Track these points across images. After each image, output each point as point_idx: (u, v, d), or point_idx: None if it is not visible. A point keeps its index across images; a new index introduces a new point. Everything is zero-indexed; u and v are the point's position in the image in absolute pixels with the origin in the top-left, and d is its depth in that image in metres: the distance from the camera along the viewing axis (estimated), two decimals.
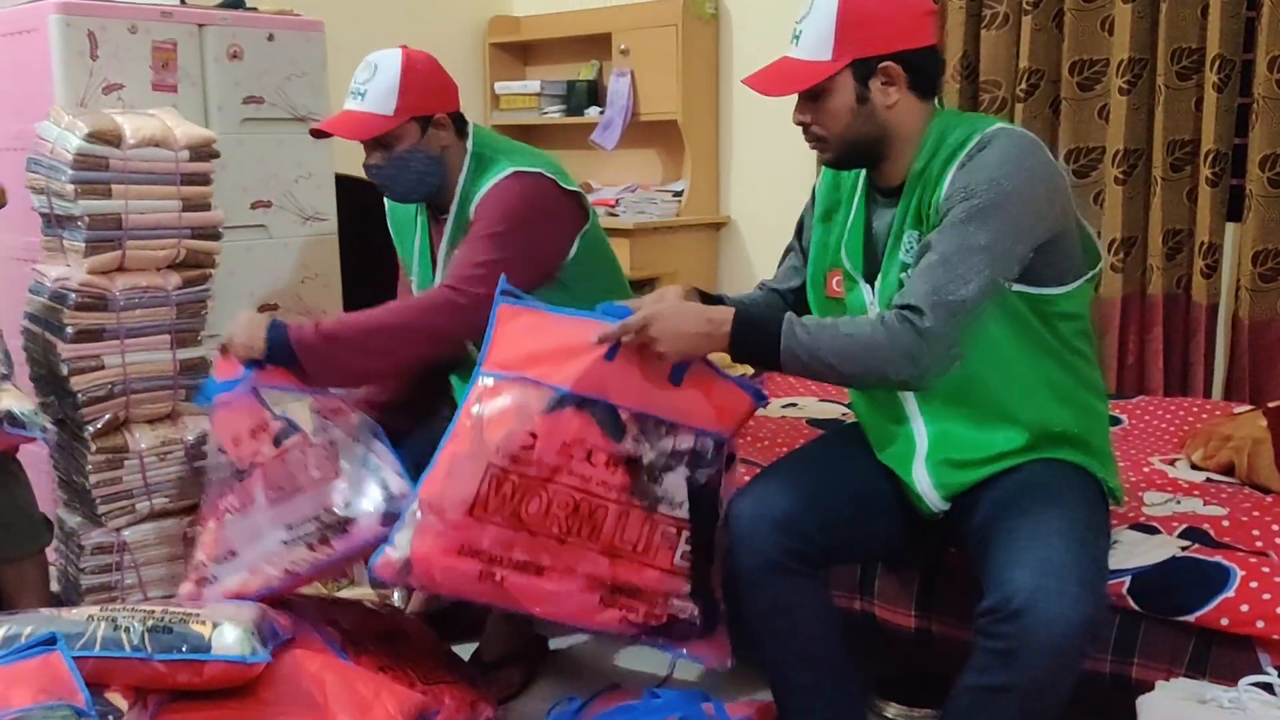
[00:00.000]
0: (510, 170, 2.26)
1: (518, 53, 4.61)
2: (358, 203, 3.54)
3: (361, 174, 3.52)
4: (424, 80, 2.28)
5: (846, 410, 2.63)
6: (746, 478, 2.01)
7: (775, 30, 3.93)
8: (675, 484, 1.86)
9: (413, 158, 2.28)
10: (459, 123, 2.36)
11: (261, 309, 3.23)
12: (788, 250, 2.19)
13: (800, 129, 1.89)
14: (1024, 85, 3.18)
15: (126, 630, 1.68)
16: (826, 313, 1.93)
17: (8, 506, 2.31)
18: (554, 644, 2.51)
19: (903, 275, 1.81)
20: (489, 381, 1.88)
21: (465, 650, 2.34)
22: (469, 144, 2.36)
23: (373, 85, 2.24)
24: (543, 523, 1.82)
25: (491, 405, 1.85)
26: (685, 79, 3.99)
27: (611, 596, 1.86)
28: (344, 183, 3.43)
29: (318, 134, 2.35)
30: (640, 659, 2.50)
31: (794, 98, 1.85)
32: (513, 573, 1.82)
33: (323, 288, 3.38)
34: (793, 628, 1.83)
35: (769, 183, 4.05)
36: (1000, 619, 1.58)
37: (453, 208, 2.35)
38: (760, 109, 4.05)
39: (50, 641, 1.58)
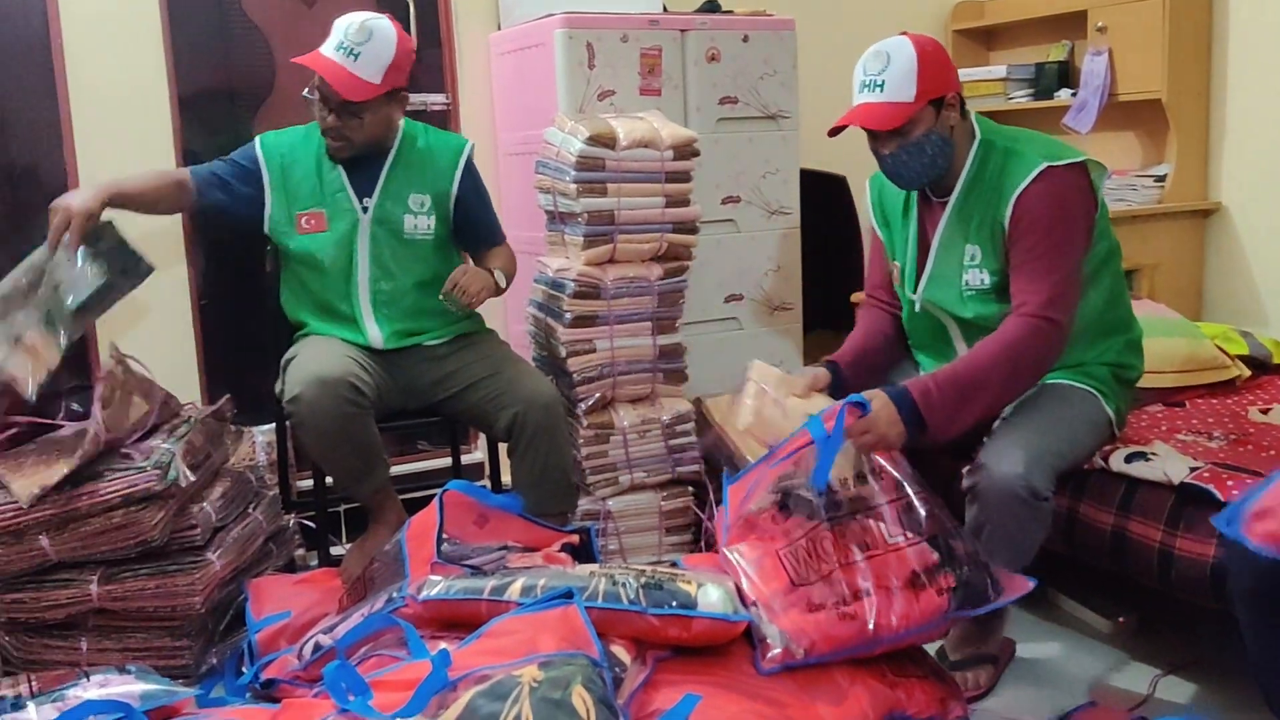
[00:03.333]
0: (1043, 166, 2.22)
1: (982, 38, 4.48)
2: (820, 197, 3.61)
3: (825, 169, 3.64)
4: (936, 61, 2.26)
5: None
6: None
7: None
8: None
9: (928, 141, 2.26)
10: (962, 101, 2.33)
11: (727, 300, 3.38)
12: None
13: None
14: None
15: (624, 585, 1.82)
16: None
17: (554, 468, 2.60)
18: (1022, 650, 2.42)
19: None
20: None
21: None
22: (975, 128, 2.34)
23: (889, 74, 2.23)
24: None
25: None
26: (1171, 55, 3.69)
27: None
28: (807, 177, 3.50)
29: (835, 131, 2.33)
30: (1117, 674, 2.35)
31: None
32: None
33: (784, 280, 3.47)
34: None
35: (1270, 165, 3.65)
36: None
37: (955, 194, 2.33)
38: (1263, 84, 3.65)
39: (568, 595, 1.76)
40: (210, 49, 3.25)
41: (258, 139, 2.70)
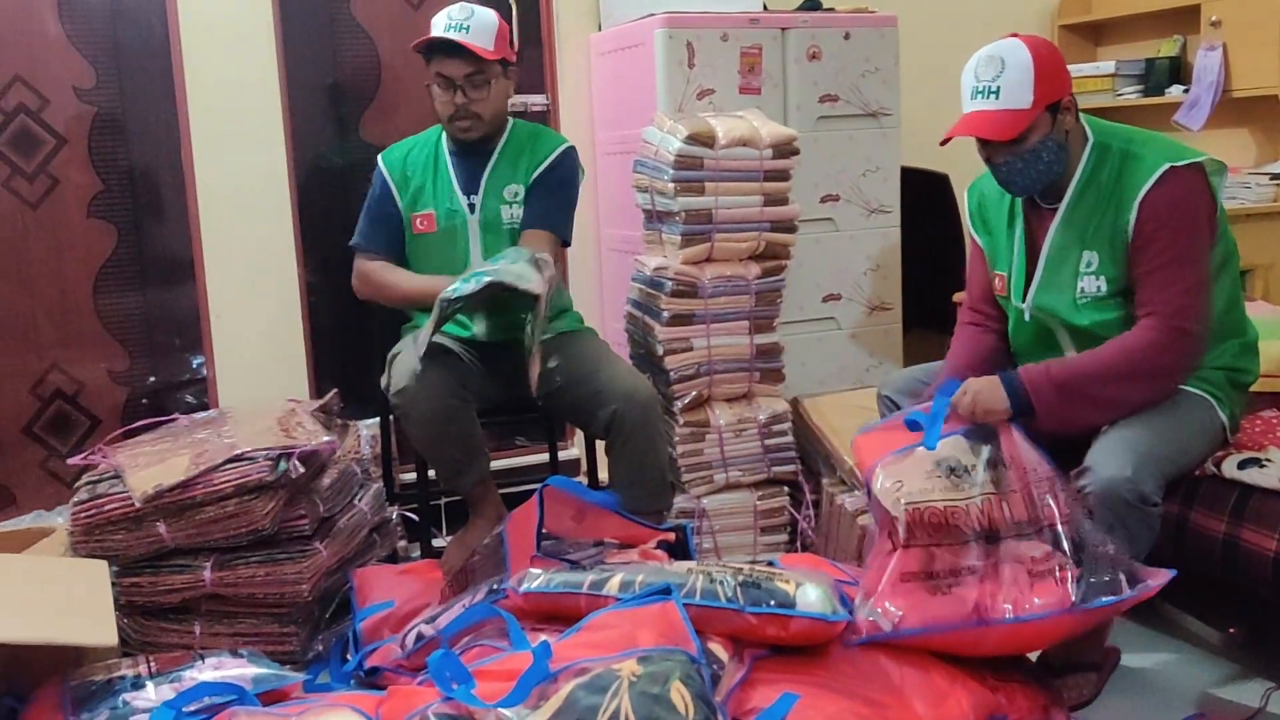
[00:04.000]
0: (1165, 167, 2.15)
1: (1089, 33, 4.38)
2: (921, 195, 3.57)
3: (925, 166, 3.59)
4: (1052, 64, 2.19)
5: None
6: None
7: None
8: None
9: (1044, 148, 2.19)
10: (1075, 104, 2.26)
11: (825, 299, 3.37)
12: None
13: None
14: None
15: (721, 583, 1.83)
16: None
17: (650, 466, 2.60)
18: (1128, 659, 2.37)
19: None
20: None
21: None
22: (1086, 129, 2.27)
23: (1004, 80, 2.15)
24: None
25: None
26: None
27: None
28: (908, 175, 3.46)
29: (946, 140, 2.27)
30: (1226, 687, 2.28)
31: None
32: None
33: (883, 279, 3.44)
34: None
35: None
36: None
37: (1067, 199, 2.27)
38: None
39: (666, 591, 1.77)
40: (320, 52, 3.35)
41: (380, 159, 2.79)
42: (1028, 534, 1.97)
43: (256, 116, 3.21)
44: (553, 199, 2.77)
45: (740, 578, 1.86)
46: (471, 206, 2.73)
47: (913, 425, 2.15)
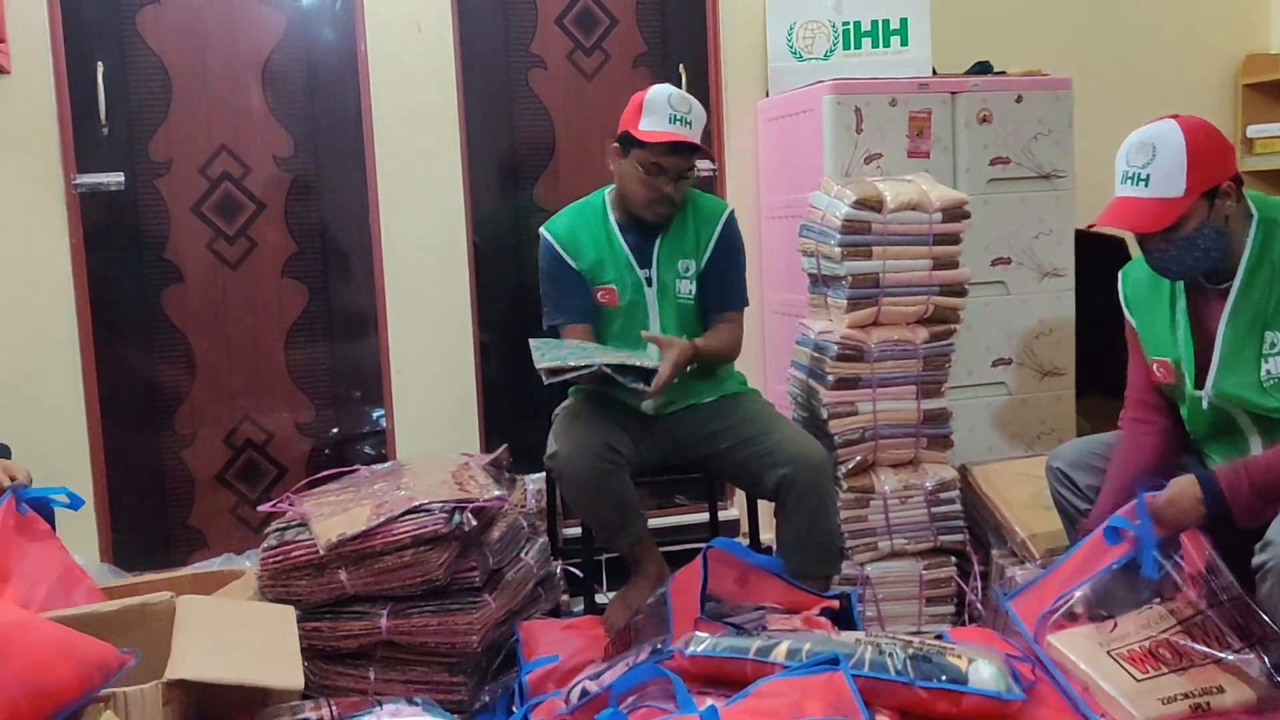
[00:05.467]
0: None
1: (1274, 92, 4.20)
2: (1098, 259, 3.47)
3: (1101, 230, 3.50)
4: (1209, 150, 2.12)
5: None
6: None
7: None
8: None
9: (1200, 235, 2.13)
10: (1239, 184, 2.18)
11: (995, 364, 3.30)
12: None
13: None
14: None
15: (890, 655, 1.81)
16: None
17: (820, 530, 2.58)
18: None
19: None
20: None
21: None
22: (1250, 205, 2.19)
23: (1155, 167, 2.12)
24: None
25: None
26: None
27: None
28: (1083, 238, 3.38)
29: (1090, 232, 2.26)
30: None
31: None
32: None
33: (1056, 344, 3.36)
34: None
35: None
36: None
37: (1238, 280, 2.18)
38: None
39: (834, 661, 1.76)
40: (499, 122, 3.50)
41: (545, 233, 2.79)
42: (1241, 649, 1.99)
43: (439, 182, 3.38)
44: (732, 272, 2.81)
45: (910, 650, 1.84)
46: (648, 280, 2.75)
47: (1111, 537, 2.15)
